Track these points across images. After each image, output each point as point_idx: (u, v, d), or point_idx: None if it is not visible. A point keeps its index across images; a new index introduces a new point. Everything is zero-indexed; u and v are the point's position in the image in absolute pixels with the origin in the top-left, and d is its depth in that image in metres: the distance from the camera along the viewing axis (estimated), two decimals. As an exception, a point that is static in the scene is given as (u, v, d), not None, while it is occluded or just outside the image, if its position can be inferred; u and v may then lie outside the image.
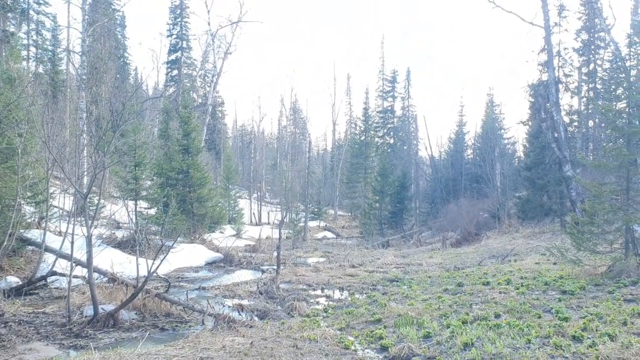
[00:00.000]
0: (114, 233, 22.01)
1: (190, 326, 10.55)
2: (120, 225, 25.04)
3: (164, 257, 11.11)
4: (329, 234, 43.62)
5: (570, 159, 28.33)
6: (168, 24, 53.79)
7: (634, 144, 13.94)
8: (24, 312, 11.06)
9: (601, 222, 13.94)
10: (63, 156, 15.34)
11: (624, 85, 14.66)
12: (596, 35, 37.35)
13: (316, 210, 50.32)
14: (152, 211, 23.72)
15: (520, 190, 35.75)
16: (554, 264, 16.65)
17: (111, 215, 25.69)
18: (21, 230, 15.32)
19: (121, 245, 20.26)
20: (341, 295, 14.82)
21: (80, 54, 30.77)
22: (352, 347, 8.31)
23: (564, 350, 7.19)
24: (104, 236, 21.01)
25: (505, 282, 13.82)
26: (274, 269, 18.43)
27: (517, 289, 12.68)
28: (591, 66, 37.88)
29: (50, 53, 42.51)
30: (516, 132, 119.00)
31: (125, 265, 16.79)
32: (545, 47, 30.17)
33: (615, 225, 13.93)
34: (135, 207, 22.62)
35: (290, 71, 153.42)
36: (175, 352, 7.29)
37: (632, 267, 13.06)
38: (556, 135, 28.86)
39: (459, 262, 21.20)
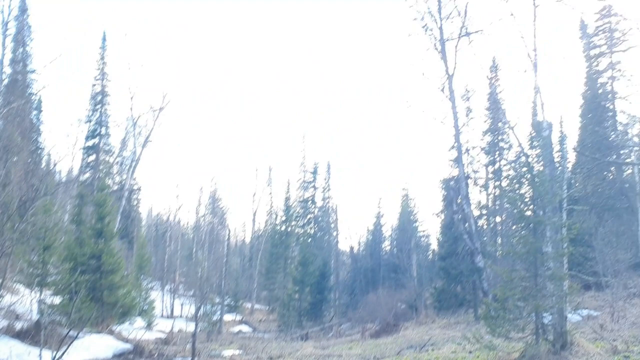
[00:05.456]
0: (12, 324, 20.23)
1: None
2: (19, 316, 23.06)
3: (67, 347, 10.30)
4: (245, 328, 42.22)
5: (481, 250, 29.62)
6: (87, 109, 52.65)
7: (539, 232, 14.88)
8: None
9: (513, 308, 14.47)
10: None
11: (528, 177, 15.87)
12: (500, 137, 40.47)
13: (232, 303, 48.82)
14: (57, 300, 22.16)
15: (436, 282, 36.62)
16: (470, 352, 16.89)
17: (10, 306, 23.66)
18: None
19: (20, 335, 18.64)
20: (260, 386, 14.23)
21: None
22: None
23: None
24: (1, 327, 19.25)
25: (425, 368, 13.84)
26: (188, 360, 17.49)
27: (437, 375, 12.73)
28: (496, 165, 40.73)
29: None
30: (431, 224, 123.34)
31: (23, 357, 15.40)
32: (455, 144, 32.28)
33: (526, 310, 14.50)
34: (41, 294, 21.10)
35: (210, 160, 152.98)
36: None
37: (543, 353, 13.51)
38: (467, 227, 30.26)
39: (378, 352, 21.03)
